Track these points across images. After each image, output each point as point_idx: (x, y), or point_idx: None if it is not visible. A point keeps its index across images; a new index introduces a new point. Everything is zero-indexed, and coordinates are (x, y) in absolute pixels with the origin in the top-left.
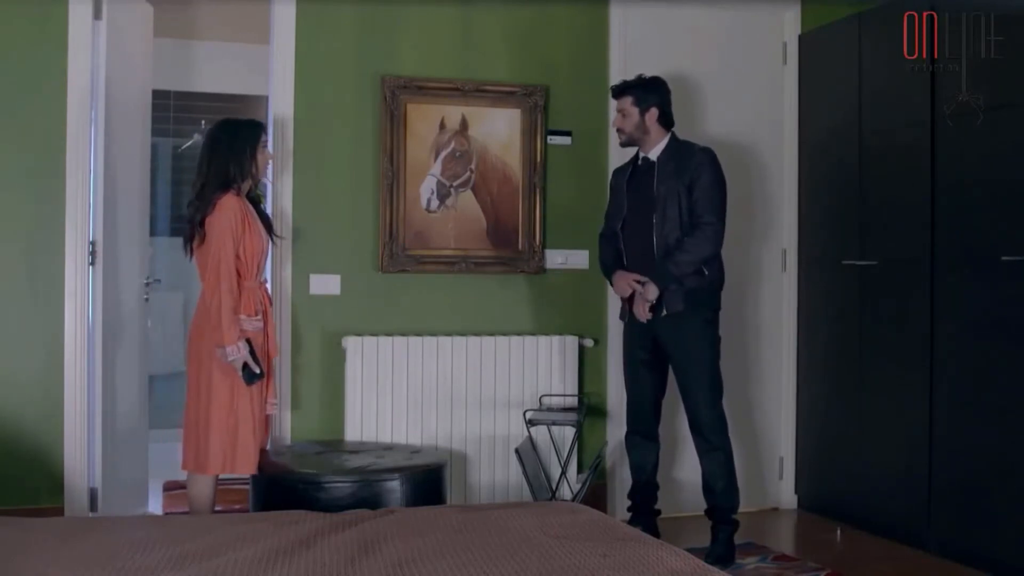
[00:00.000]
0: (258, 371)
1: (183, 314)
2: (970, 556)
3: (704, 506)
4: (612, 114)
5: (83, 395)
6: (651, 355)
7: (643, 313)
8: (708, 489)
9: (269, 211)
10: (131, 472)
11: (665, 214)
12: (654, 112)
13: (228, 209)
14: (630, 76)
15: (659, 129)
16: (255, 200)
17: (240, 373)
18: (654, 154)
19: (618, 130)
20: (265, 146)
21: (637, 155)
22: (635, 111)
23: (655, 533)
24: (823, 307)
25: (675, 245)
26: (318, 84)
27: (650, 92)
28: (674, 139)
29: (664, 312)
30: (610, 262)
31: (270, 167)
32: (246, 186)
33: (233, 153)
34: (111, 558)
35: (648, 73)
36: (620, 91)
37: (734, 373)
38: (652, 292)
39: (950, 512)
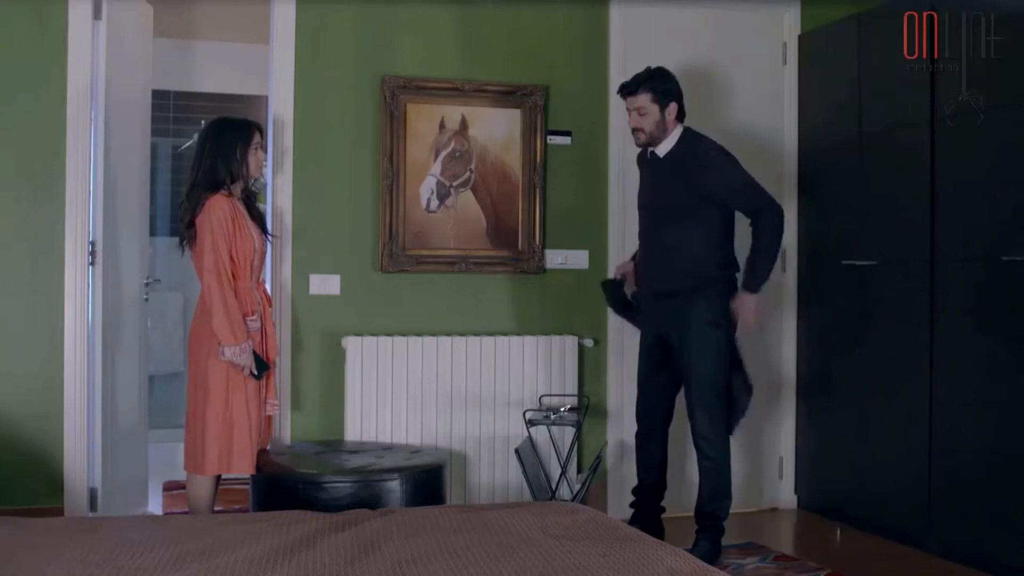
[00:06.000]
0: (263, 368)
1: (183, 314)
2: (970, 556)
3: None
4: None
5: (83, 395)
6: (664, 354)
7: (754, 321)
8: (698, 491)
9: (269, 210)
10: (131, 472)
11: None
12: (673, 108)
13: (217, 210)
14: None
15: (674, 124)
16: (251, 198)
17: (243, 372)
18: (663, 150)
19: (636, 130)
20: (258, 147)
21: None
22: (655, 108)
23: (658, 533)
24: (823, 307)
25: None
26: (318, 84)
27: (668, 86)
28: (686, 134)
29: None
30: None
31: (268, 168)
32: (237, 188)
33: (221, 153)
34: (111, 558)
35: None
36: (634, 88)
37: None
38: (750, 304)
39: (950, 512)
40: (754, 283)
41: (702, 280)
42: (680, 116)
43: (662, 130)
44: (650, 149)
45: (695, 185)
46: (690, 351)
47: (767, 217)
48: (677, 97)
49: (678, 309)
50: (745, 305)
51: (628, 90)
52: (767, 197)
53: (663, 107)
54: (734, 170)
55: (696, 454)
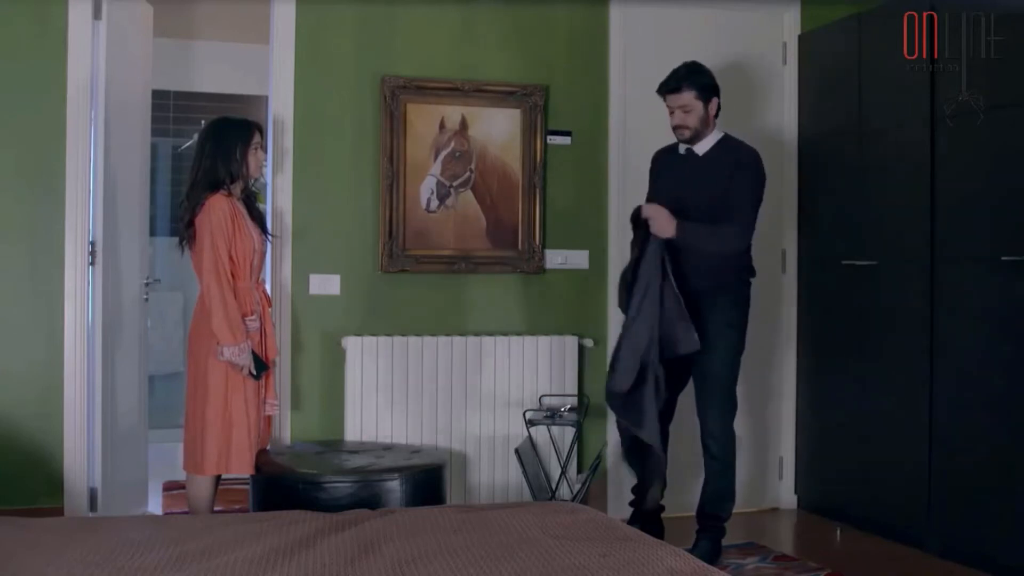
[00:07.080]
0: (262, 368)
1: (183, 314)
2: (970, 556)
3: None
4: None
5: (83, 395)
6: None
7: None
8: (702, 490)
9: (269, 210)
10: (131, 472)
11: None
12: (715, 102)
13: (216, 210)
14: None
15: (714, 121)
16: (251, 198)
17: (242, 372)
18: (701, 148)
19: (678, 128)
20: (257, 147)
21: (677, 144)
22: (699, 104)
23: (658, 532)
24: (823, 307)
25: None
26: (318, 84)
27: (709, 80)
28: (727, 139)
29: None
30: None
31: (268, 168)
32: (237, 188)
33: (221, 153)
34: (111, 558)
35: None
36: (676, 85)
37: None
38: (664, 223)
39: (950, 512)
40: (687, 227)
41: (722, 282)
42: (717, 113)
43: (705, 125)
44: (686, 147)
45: (724, 180)
46: (706, 350)
47: (733, 229)
48: (717, 92)
49: (696, 309)
50: (662, 216)
51: (670, 87)
52: (747, 224)
53: (706, 102)
54: (756, 178)
55: (703, 453)
